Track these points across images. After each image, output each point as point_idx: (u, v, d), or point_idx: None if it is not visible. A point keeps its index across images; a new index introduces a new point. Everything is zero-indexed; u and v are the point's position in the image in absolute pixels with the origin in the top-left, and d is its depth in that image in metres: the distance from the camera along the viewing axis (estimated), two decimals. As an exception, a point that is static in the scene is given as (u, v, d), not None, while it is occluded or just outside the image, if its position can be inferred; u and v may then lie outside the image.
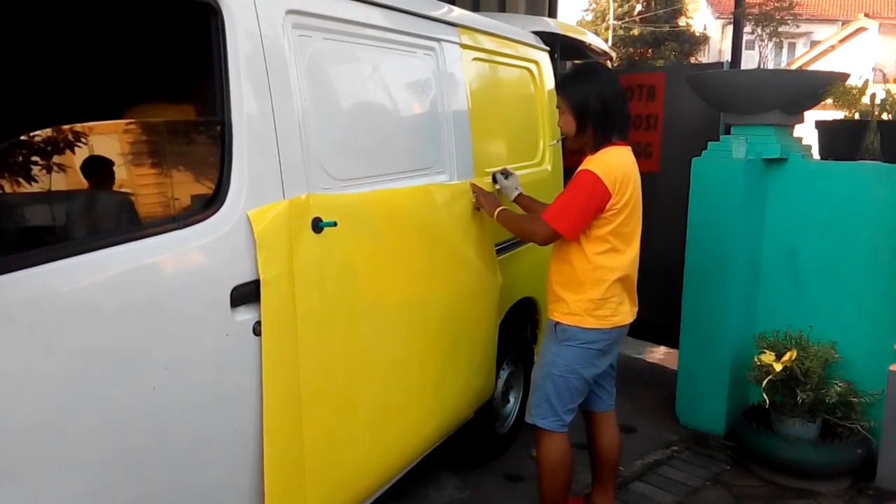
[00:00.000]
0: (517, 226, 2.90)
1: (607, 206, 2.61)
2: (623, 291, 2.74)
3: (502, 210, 2.92)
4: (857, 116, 3.87)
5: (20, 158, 1.78)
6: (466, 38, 3.21)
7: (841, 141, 3.85)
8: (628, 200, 2.65)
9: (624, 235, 2.69)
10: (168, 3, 1.84)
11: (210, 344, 1.90)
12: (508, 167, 3.27)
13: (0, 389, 1.48)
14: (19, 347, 1.51)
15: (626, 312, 2.77)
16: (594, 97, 2.67)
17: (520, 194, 3.18)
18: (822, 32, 24.41)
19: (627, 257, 2.72)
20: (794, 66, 19.47)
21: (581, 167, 2.67)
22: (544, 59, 4.00)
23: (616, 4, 27.15)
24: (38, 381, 1.54)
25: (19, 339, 1.51)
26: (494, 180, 3.20)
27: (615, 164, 2.63)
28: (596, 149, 2.69)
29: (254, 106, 2.02)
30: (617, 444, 3.02)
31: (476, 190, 3.02)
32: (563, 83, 2.81)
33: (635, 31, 26.64)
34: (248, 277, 1.97)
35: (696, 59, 26.25)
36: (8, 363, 1.49)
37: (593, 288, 2.67)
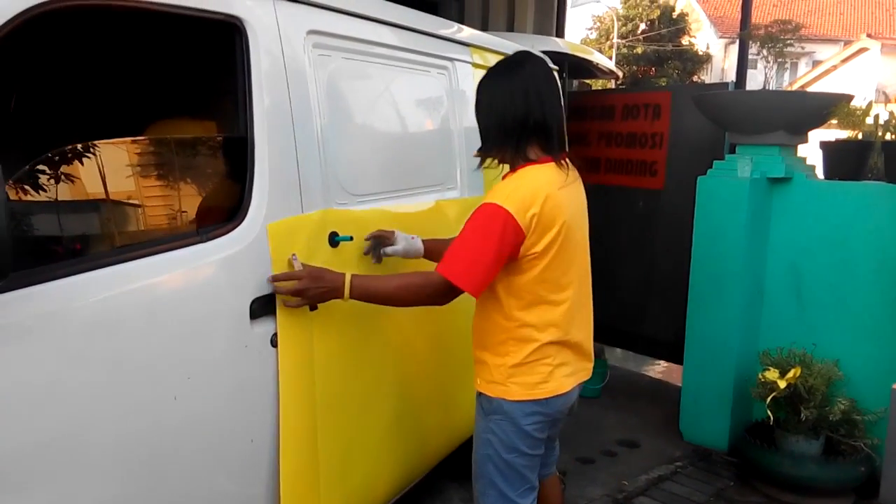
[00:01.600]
0: (398, 291, 2.10)
1: (522, 251, 2.02)
2: (562, 350, 2.14)
3: (356, 281, 2.06)
4: (860, 137, 3.93)
5: (49, 171, 1.83)
6: (477, 58, 3.27)
7: (845, 161, 3.91)
8: (555, 238, 2.03)
9: (555, 282, 2.08)
10: (195, 24, 1.90)
11: (229, 355, 1.94)
12: (382, 229, 2.41)
13: (29, 399, 1.52)
14: (47, 358, 1.55)
15: (565, 376, 2.16)
16: (500, 99, 2.08)
17: (424, 244, 2.48)
18: (825, 52, 24.55)
19: (562, 309, 2.11)
20: (796, 86, 19.60)
21: (486, 197, 2.07)
22: (553, 77, 4.06)
23: (620, 23, 27.35)
24: (65, 391, 1.59)
25: (47, 349, 1.55)
26: (377, 253, 2.41)
27: (532, 194, 2.00)
28: (513, 167, 2.12)
29: (275, 123, 2.08)
30: None
31: (298, 284, 2.01)
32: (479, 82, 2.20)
33: (639, 50, 26.83)
34: (266, 290, 2.01)
35: (698, 77, 26.42)
36: (36, 373, 1.53)
37: (517, 349, 2.10)
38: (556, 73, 2.30)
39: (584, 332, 2.25)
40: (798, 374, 3.47)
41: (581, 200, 2.22)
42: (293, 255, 2.06)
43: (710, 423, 4.04)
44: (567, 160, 2.15)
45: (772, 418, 3.54)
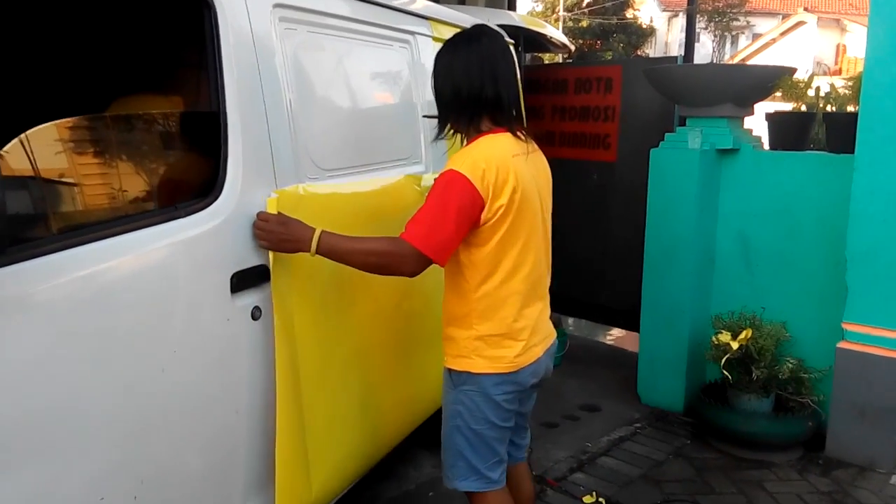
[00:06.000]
0: (365, 256, 2.05)
1: (483, 217, 2.01)
2: (526, 320, 2.14)
3: (325, 237, 2.02)
4: (804, 108, 4.09)
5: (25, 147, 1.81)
6: (437, 31, 3.30)
7: (789, 132, 4.07)
8: (509, 204, 2.01)
9: (514, 251, 2.07)
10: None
11: (212, 328, 1.96)
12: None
13: (21, 374, 1.53)
14: (37, 333, 1.56)
15: (532, 346, 2.17)
16: (455, 72, 2.08)
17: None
18: (764, 25, 25.09)
19: (522, 278, 2.11)
20: (737, 59, 20.05)
21: (444, 167, 2.06)
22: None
23: (565, -4, 27.48)
24: (54, 367, 1.59)
25: (37, 324, 1.56)
26: None
27: (486, 158, 1.99)
28: (468, 139, 2.13)
29: (246, 97, 2.08)
30: (530, 501, 2.53)
31: (264, 225, 2.03)
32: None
33: (584, 23, 27.00)
34: (246, 264, 2.03)
35: (643, 51, 26.74)
36: (27, 348, 1.54)
37: (481, 322, 2.10)
38: (512, 48, 2.28)
39: (545, 301, 2.27)
40: (749, 336, 3.63)
41: (540, 172, 2.21)
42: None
43: (666, 385, 4.20)
44: (523, 132, 2.14)
45: (726, 378, 3.70)
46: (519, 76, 2.18)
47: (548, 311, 2.29)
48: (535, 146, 2.20)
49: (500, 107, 2.08)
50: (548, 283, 2.29)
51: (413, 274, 2.04)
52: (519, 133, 2.11)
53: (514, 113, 2.14)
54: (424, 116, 2.15)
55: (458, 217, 1.96)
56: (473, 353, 2.12)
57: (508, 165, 2.01)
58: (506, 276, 2.08)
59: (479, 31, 2.18)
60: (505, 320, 2.10)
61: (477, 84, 2.05)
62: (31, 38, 2.24)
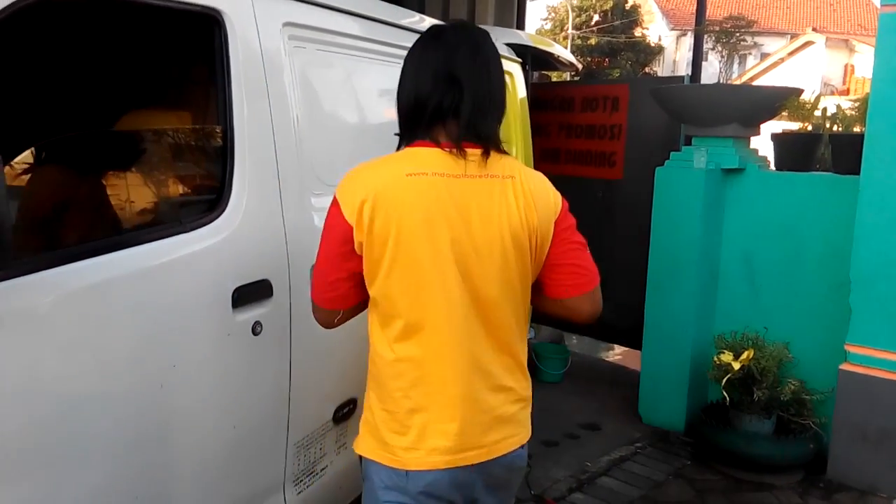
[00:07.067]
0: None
1: (360, 251, 1.52)
2: (423, 408, 1.53)
3: None
4: (810, 129, 4.10)
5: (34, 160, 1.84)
6: (445, 50, 3.33)
7: (795, 152, 4.08)
8: (383, 237, 1.49)
9: (402, 299, 1.52)
10: (174, 16, 1.91)
11: (213, 343, 1.97)
12: None
13: (20, 387, 1.54)
14: (38, 346, 1.57)
15: (433, 449, 1.52)
16: (401, 78, 1.67)
17: None
18: (772, 45, 25.15)
19: (423, 343, 1.52)
20: (745, 78, 20.09)
21: None
22: (517, 69, 4.13)
23: (574, 14, 27.62)
24: (54, 380, 1.60)
25: (38, 338, 1.57)
26: None
27: (362, 176, 1.55)
28: None
29: (254, 113, 2.10)
30: None
31: None
32: None
33: (592, 41, 27.13)
34: (248, 279, 2.04)
35: (651, 69, 26.83)
36: (27, 362, 1.55)
37: (375, 387, 1.59)
38: (493, 45, 1.66)
39: (481, 385, 1.55)
40: (751, 356, 3.62)
41: (483, 201, 1.54)
42: None
43: (668, 405, 4.19)
44: (472, 148, 1.55)
45: (727, 399, 3.68)
46: (493, 77, 1.63)
47: (490, 400, 1.57)
48: (495, 171, 1.57)
49: (445, 116, 1.55)
50: (497, 360, 1.59)
51: (322, 323, 1.63)
52: (455, 150, 1.53)
53: (478, 122, 1.56)
54: (396, 134, 1.71)
55: (326, 251, 1.55)
56: (365, 427, 1.61)
57: (389, 185, 1.50)
58: (395, 333, 1.53)
59: (444, 27, 1.70)
60: (390, 395, 1.55)
61: (425, 90, 1.57)
62: (43, 53, 2.27)
